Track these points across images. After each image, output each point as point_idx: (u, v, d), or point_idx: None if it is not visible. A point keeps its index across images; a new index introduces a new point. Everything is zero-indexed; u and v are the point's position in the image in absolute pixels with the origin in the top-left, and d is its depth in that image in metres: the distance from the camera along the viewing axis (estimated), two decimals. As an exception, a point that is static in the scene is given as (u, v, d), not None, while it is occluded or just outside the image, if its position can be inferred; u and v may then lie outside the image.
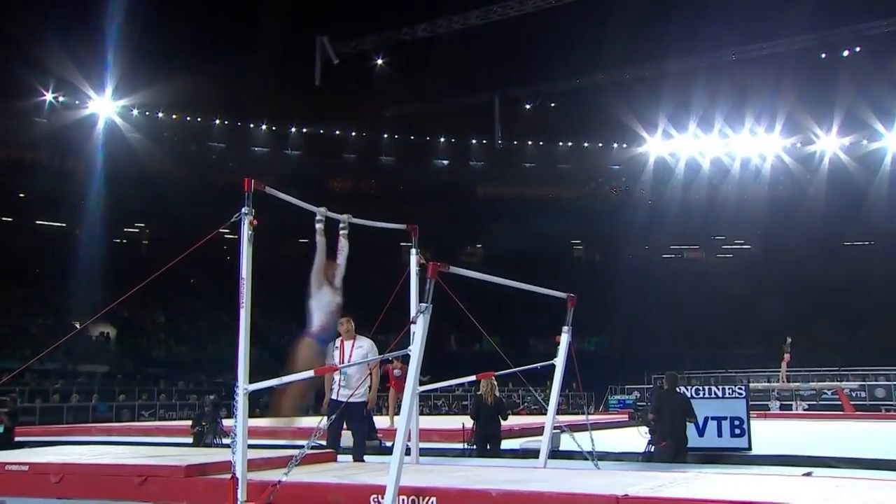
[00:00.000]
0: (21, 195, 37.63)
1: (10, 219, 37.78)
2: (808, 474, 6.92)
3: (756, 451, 11.36)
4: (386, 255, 36.98)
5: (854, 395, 25.20)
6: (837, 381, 26.31)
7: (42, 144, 37.06)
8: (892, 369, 27.24)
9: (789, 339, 24.00)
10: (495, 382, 10.74)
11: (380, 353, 7.81)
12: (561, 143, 46.64)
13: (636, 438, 10.72)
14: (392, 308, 7.23)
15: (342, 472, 6.73)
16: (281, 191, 6.33)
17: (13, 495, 5.94)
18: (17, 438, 13.33)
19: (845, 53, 32.83)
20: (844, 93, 36.37)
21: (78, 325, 25.52)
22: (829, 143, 40.41)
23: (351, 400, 7.81)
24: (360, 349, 8.04)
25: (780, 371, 24.54)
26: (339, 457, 7.82)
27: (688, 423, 10.06)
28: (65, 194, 35.55)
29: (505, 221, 43.82)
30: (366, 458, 8.14)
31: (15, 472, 6.98)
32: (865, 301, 35.40)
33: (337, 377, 7.91)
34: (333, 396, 7.97)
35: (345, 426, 8.14)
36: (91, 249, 32.82)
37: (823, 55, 33.06)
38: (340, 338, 8.01)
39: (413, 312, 7.06)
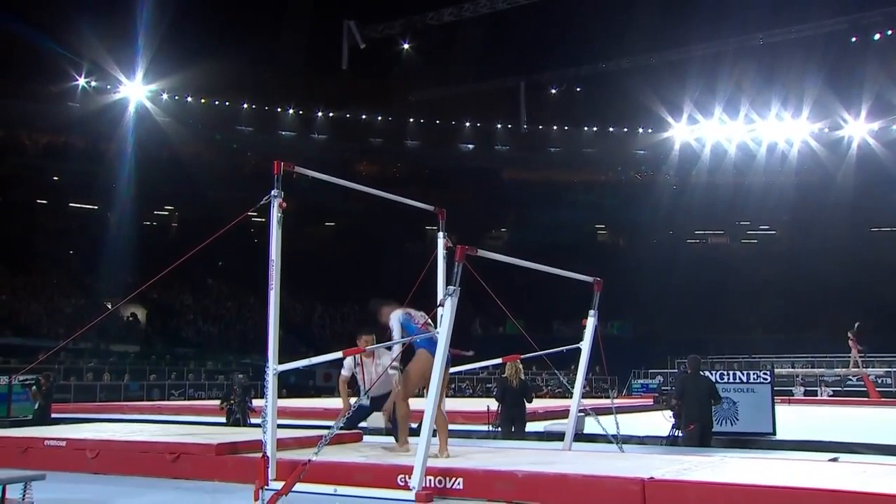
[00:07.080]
0: (55, 178, 38.13)
1: (44, 201, 38.34)
2: (835, 460, 6.91)
3: (780, 436, 11.37)
4: (412, 240, 37.15)
5: (880, 381, 24.99)
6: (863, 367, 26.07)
7: (75, 129, 37.49)
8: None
9: (857, 324, 23.49)
10: (521, 366, 10.79)
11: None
12: (586, 128, 46.37)
13: (660, 422, 10.77)
14: (419, 292, 7.29)
15: (370, 452, 6.86)
16: (307, 176, 6.40)
17: (52, 469, 6.14)
18: (52, 415, 13.68)
19: (876, 37, 32.16)
20: (874, 76, 35.72)
21: (110, 306, 25.90)
22: (858, 128, 39.73)
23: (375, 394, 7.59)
24: (380, 367, 7.85)
25: (850, 357, 24.12)
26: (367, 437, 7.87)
27: (713, 406, 10.05)
28: (97, 177, 35.98)
29: (530, 206, 43.81)
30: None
31: (54, 448, 7.25)
32: (893, 287, 34.90)
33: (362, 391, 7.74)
34: (363, 402, 7.77)
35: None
36: (122, 231, 33.47)
37: (853, 39, 32.43)
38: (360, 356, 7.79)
39: (441, 295, 7.14)
